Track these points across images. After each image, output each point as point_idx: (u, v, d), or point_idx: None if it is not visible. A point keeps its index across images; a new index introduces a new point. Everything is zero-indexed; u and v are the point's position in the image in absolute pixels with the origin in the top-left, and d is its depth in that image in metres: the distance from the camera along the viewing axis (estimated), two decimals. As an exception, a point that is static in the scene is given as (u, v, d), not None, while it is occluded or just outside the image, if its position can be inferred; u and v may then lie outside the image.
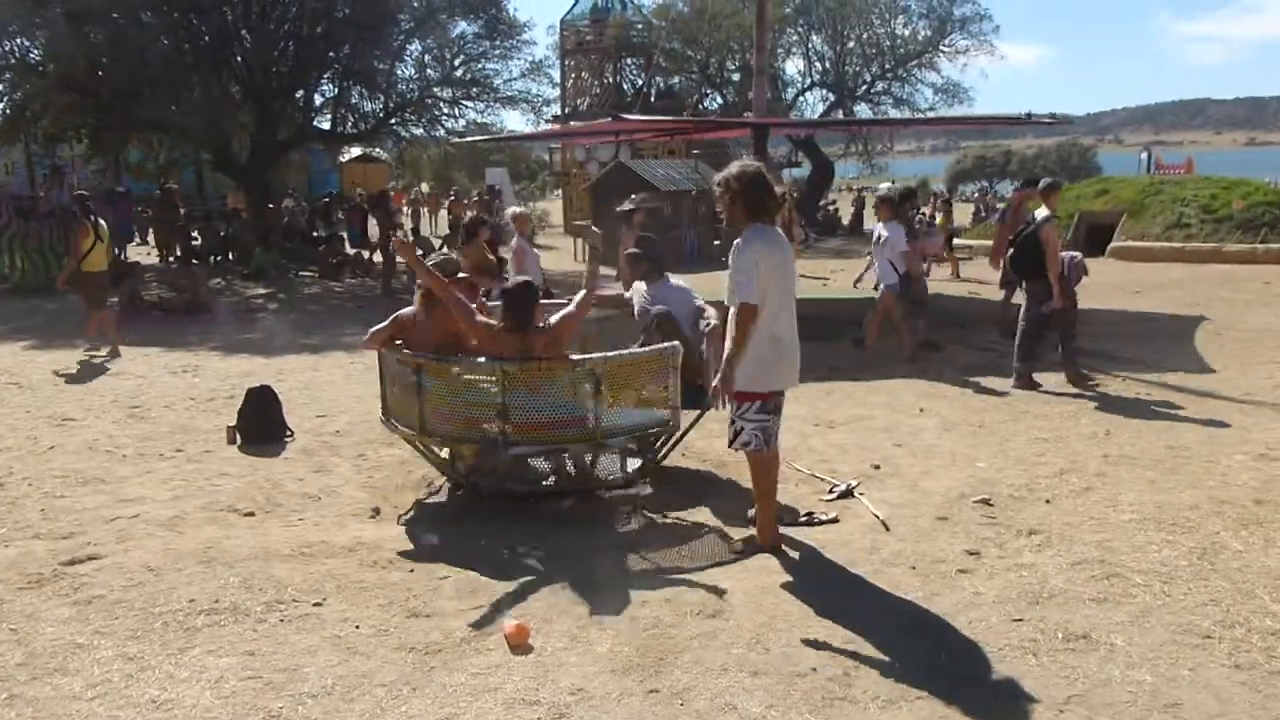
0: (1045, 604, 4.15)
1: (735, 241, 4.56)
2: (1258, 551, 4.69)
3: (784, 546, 4.85)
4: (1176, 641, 3.80)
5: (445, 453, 5.76)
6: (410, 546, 4.98)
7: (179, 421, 7.62)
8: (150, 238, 22.02)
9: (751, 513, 5.08)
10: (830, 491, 5.71)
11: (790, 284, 4.62)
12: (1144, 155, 36.92)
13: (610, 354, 5.38)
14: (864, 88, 33.17)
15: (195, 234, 20.64)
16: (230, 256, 19.36)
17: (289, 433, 7.11)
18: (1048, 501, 5.47)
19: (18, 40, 17.80)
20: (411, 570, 4.64)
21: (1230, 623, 3.94)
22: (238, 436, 6.97)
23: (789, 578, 4.52)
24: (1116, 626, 3.93)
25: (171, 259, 19.09)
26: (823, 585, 4.43)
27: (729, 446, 4.87)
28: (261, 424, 7.03)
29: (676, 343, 5.45)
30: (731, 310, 4.49)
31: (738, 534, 5.06)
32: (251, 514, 5.49)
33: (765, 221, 4.52)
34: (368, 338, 5.56)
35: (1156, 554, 4.68)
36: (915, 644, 3.83)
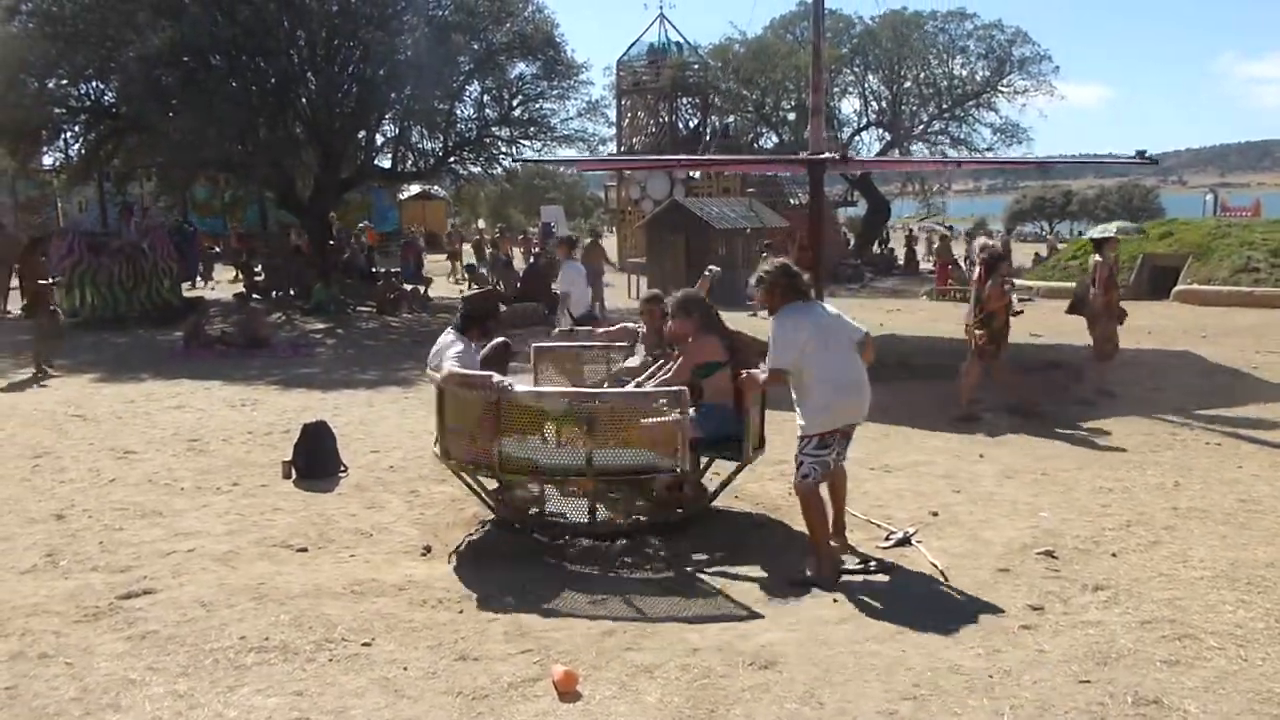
0: (1113, 665, 3.98)
1: (773, 318, 5.13)
2: (1340, 614, 4.47)
3: (839, 596, 4.75)
4: (1254, 710, 3.61)
5: (493, 486, 5.76)
6: (460, 586, 4.95)
7: (236, 455, 7.72)
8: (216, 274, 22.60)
9: (808, 572, 5.09)
10: (887, 539, 5.57)
11: (838, 334, 5.09)
12: (1209, 197, 36.19)
13: (611, 391, 5.38)
14: (921, 127, 33.03)
15: (258, 270, 21.14)
16: (291, 292, 19.74)
17: (343, 468, 7.17)
18: (1114, 555, 5.28)
19: (93, 84, 18.48)
20: (461, 611, 4.61)
21: (1313, 690, 3.74)
22: (293, 471, 7.04)
23: (844, 629, 4.41)
24: (1190, 692, 3.75)
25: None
26: (879, 638, 4.30)
27: (795, 482, 5.14)
28: (316, 459, 7.10)
29: (683, 387, 5.36)
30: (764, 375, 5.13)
31: (789, 580, 4.97)
32: (304, 550, 5.52)
33: (800, 299, 5.14)
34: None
35: (1231, 615, 4.48)
36: (976, 702, 3.69)
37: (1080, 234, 43.35)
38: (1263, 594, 4.72)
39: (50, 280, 13.05)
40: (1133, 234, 17.69)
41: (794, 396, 5.08)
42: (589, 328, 9.33)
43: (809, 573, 5.03)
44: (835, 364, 5.01)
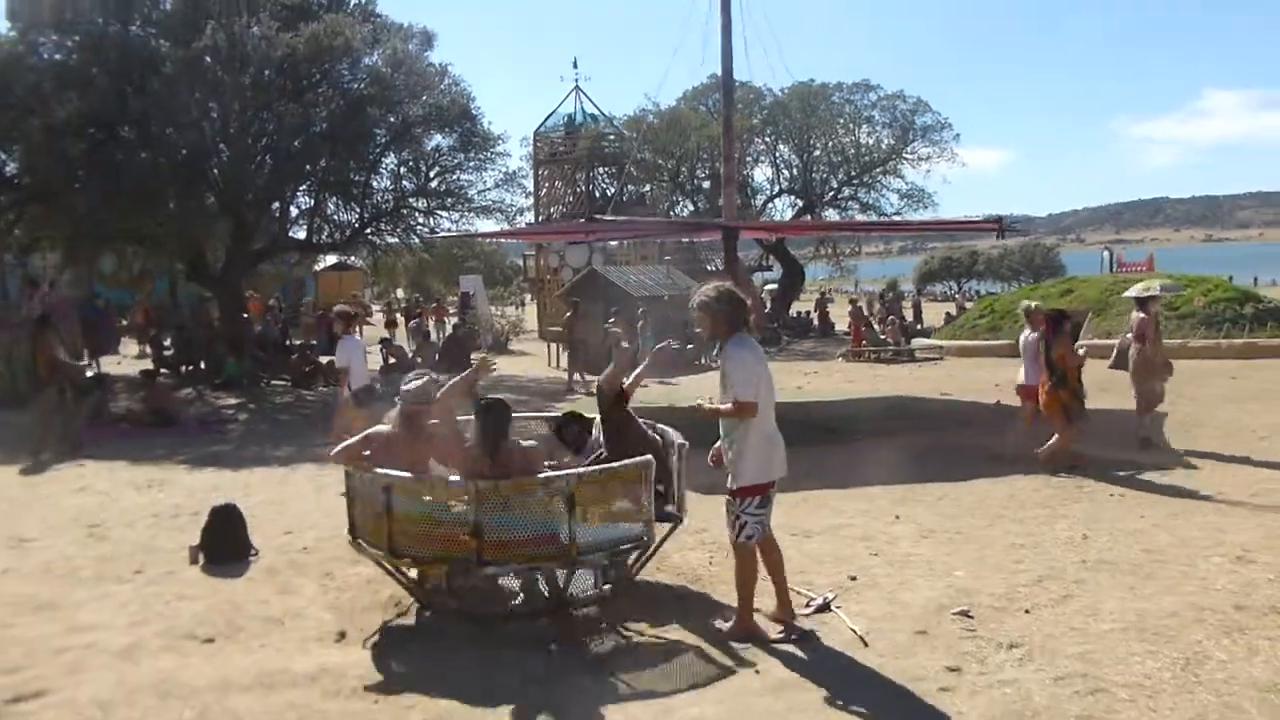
0: (1030, 723, 4.04)
1: (725, 348, 5.00)
2: (1241, 661, 4.62)
3: (763, 667, 4.75)
4: (1165, 762, 3.70)
5: (414, 573, 5.62)
6: (376, 673, 4.81)
7: (140, 541, 7.42)
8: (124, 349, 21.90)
9: (721, 624, 5.16)
10: (807, 605, 5.59)
11: (771, 385, 5.06)
12: (1105, 254, 37.85)
13: (582, 469, 5.33)
14: (831, 194, 34.03)
15: (167, 343, 20.55)
16: (201, 366, 19.22)
17: (254, 551, 6.94)
18: (1027, 611, 5.39)
19: (-5, 153, 17.99)
20: (376, 701, 4.47)
21: (1218, 740, 3.85)
22: (201, 556, 6.79)
23: (767, 700, 4.39)
24: (1103, 747, 3.82)
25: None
26: (803, 708, 4.30)
27: (733, 541, 5.08)
28: (225, 543, 6.87)
29: (649, 456, 5.40)
30: (726, 405, 4.94)
31: (716, 650, 4.95)
32: (211, 640, 5.30)
33: (745, 331, 5.04)
34: (336, 452, 5.49)
35: (1140, 666, 4.60)
36: (898, 770, 3.70)
37: (987, 294, 44.78)
38: (1169, 643, 4.86)
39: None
40: (1175, 291, 18.22)
41: (729, 450, 4.98)
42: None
43: (723, 626, 5.12)
44: (767, 414, 4.98)
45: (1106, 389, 11.67)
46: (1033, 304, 10.61)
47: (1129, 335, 10.69)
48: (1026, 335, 10.13)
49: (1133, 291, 11.49)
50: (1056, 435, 9.25)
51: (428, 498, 5.18)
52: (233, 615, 5.68)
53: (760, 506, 5.00)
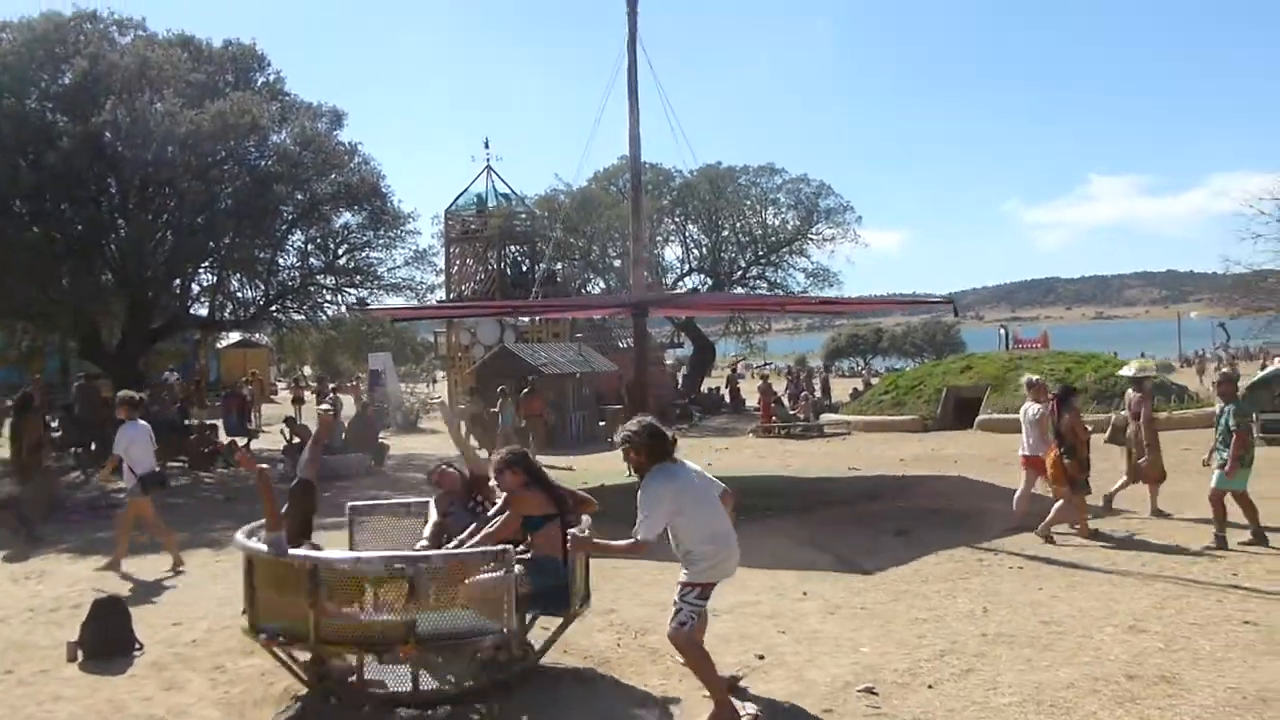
0: (932, 802, 4.05)
1: (644, 479, 5.07)
2: (1133, 731, 4.72)
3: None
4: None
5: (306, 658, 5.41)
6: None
7: (13, 638, 6.98)
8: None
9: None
10: (715, 686, 5.54)
11: (706, 490, 5.16)
12: (1002, 331, 39.30)
13: (435, 553, 5.24)
14: (739, 273, 34.76)
15: (55, 424, 19.63)
16: (92, 448, 18.40)
17: (139, 645, 6.59)
18: (930, 687, 5.44)
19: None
20: (263, 802, 4.24)
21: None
22: (79, 653, 6.42)
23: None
24: (1003, 823, 3.84)
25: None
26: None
27: (669, 633, 5.06)
28: (107, 637, 6.50)
29: (507, 545, 5.28)
30: (621, 542, 5.08)
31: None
32: (87, 743, 4.99)
33: (668, 460, 5.10)
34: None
35: (1038, 739, 4.66)
36: None
37: (892, 369, 46.03)
38: (1065, 715, 4.95)
39: None
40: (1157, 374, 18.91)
41: (676, 550, 5.08)
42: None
43: None
44: (708, 518, 5.06)
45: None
46: (1035, 377, 11.06)
47: (1124, 412, 11.31)
48: (1028, 407, 10.45)
49: (1128, 371, 12.25)
50: (1058, 504, 9.59)
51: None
52: (111, 716, 5.36)
53: (700, 598, 5.06)
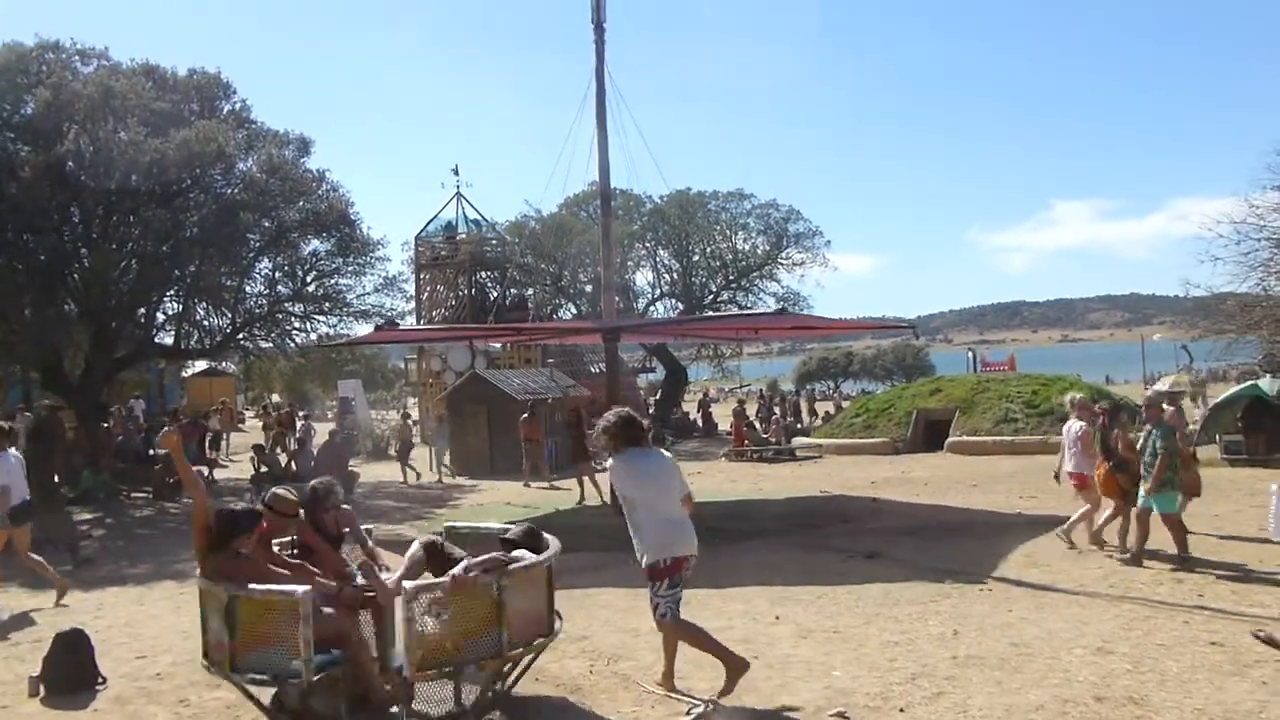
0: (905, 826, 4.04)
1: (612, 458, 5.75)
2: (1103, 752, 4.75)
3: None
4: None
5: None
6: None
7: (-28, 674, 6.83)
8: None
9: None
10: (688, 713, 5.52)
11: (666, 478, 5.70)
12: (970, 354, 39.74)
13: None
14: (710, 297, 34.90)
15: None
16: (56, 479, 18.08)
17: (101, 680, 6.47)
18: (902, 710, 5.45)
19: None
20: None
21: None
22: (41, 688, 6.29)
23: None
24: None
25: None
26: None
27: (656, 623, 5.70)
28: (69, 671, 6.38)
29: (306, 588, 4.98)
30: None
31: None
32: (46, 782, 4.88)
33: (640, 445, 5.74)
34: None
35: (1009, 761, 4.67)
36: None
37: (865, 392, 46.26)
38: (1036, 738, 4.97)
39: None
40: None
41: (633, 535, 5.60)
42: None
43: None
44: (662, 503, 5.59)
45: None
46: (1079, 395, 11.29)
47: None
48: (1071, 425, 10.56)
49: (1161, 386, 12.43)
50: (1084, 509, 10.02)
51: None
52: (72, 753, 5.25)
53: (670, 588, 5.55)
